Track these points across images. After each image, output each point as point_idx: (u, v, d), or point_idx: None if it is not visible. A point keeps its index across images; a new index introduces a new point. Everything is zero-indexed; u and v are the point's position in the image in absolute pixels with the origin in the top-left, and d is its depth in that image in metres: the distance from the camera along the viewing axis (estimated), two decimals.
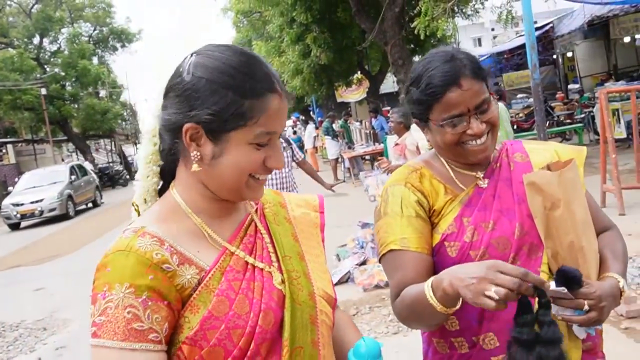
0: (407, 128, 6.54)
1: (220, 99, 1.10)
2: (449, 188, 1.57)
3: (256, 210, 1.30)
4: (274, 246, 1.23)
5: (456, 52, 1.53)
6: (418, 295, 1.36)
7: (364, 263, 6.51)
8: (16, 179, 23.16)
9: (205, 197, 1.19)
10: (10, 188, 22.20)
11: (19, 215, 18.35)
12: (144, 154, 1.24)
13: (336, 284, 6.34)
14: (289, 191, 6.23)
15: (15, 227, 18.88)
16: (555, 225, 1.43)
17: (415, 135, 6.98)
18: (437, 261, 1.51)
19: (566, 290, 1.29)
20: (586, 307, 1.31)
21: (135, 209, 1.26)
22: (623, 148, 10.63)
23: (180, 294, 1.09)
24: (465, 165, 1.59)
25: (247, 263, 1.18)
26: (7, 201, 19.18)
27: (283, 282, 1.18)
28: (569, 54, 20.22)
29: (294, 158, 6.55)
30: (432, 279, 1.34)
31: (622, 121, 11.34)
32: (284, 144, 6.31)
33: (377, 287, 5.99)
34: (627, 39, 16.74)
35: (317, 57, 16.28)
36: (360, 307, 5.56)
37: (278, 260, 1.21)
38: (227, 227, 1.22)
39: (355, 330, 1.40)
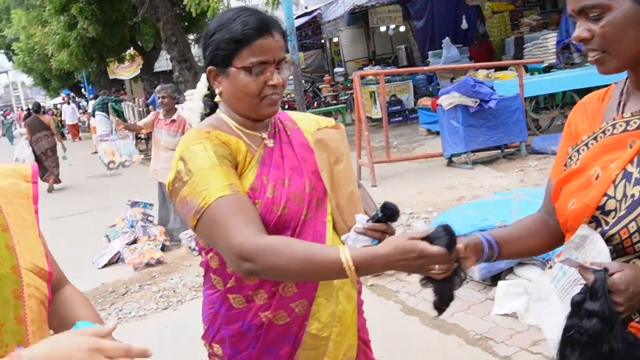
0: (175, 101, 6.51)
1: None
2: (247, 147, 1.60)
3: None
4: None
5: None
6: (329, 261, 1.34)
7: (134, 242, 6.41)
8: None
9: None
10: None
11: None
12: None
13: (106, 265, 6.21)
14: None
15: None
16: (338, 178, 1.61)
17: (186, 113, 6.97)
18: None
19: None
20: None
21: None
22: (380, 127, 11.66)
23: None
24: (251, 126, 1.64)
25: None
26: None
27: None
28: (335, 39, 21.58)
29: None
30: (351, 256, 1.33)
31: (378, 102, 12.53)
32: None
33: (148, 265, 5.96)
34: (383, 28, 18.36)
35: (84, 30, 15.28)
36: (130, 286, 5.49)
37: None
38: None
39: (86, 307, 1.35)
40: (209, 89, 1.74)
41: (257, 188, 1.54)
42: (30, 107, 13.33)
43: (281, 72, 1.59)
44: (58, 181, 12.14)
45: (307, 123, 1.76)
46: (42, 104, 15.77)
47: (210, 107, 1.74)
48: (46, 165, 11.76)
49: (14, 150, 12.99)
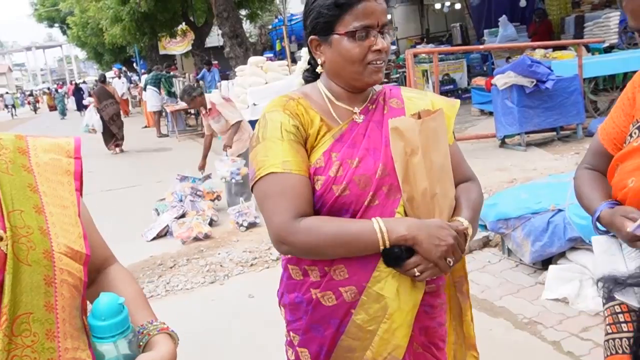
0: (201, 95, 6.78)
1: None
2: (324, 120, 1.56)
3: None
4: None
5: None
6: (360, 231, 1.43)
7: (182, 216, 6.50)
8: None
9: None
10: None
11: None
12: None
13: (154, 238, 6.32)
14: None
15: None
16: (412, 171, 1.50)
17: (212, 96, 7.09)
18: None
19: None
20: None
21: None
22: None
23: None
24: (346, 98, 1.60)
25: None
26: None
27: (1, 239, 1.03)
28: (388, 17, 21.26)
29: None
30: (382, 221, 1.43)
31: (430, 81, 12.31)
32: None
33: (196, 239, 6.04)
34: (437, 6, 18.00)
35: (136, 4, 15.50)
36: (178, 259, 5.56)
37: (2, 216, 1.06)
38: None
39: (130, 284, 1.30)
40: (309, 63, 1.70)
41: (323, 164, 1.51)
42: (79, 81, 16.32)
43: (385, 37, 1.53)
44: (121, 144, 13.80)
45: (417, 104, 1.65)
46: (93, 77, 16.90)
47: (310, 82, 1.70)
48: (112, 129, 13.44)
49: (83, 118, 14.53)
